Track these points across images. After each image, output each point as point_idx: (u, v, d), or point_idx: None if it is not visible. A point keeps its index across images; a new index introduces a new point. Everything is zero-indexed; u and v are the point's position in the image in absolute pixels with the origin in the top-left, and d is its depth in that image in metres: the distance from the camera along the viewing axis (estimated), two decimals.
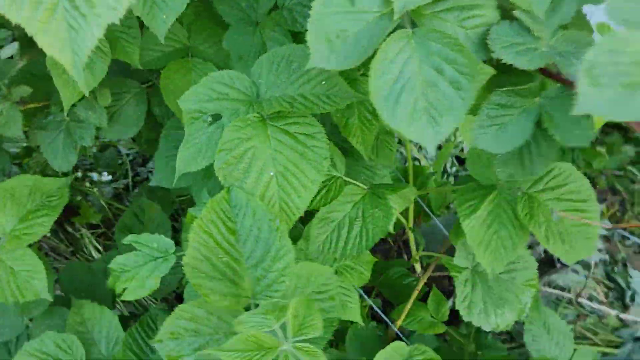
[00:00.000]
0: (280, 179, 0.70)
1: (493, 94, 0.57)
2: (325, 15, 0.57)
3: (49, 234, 1.51)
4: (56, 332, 0.94)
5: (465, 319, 0.83)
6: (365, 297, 1.00)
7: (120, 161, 1.64)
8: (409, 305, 0.99)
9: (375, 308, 1.01)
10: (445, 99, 0.54)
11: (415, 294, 0.99)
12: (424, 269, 1.01)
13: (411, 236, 0.96)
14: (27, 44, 1.10)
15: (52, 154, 0.96)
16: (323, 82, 0.72)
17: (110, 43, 0.90)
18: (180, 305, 0.67)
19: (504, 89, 0.57)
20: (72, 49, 0.51)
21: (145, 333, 0.95)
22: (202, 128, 0.75)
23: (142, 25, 0.91)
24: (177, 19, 0.78)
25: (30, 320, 1.02)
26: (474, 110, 0.59)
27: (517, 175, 0.61)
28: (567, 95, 0.57)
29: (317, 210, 0.82)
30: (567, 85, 0.56)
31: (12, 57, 1.19)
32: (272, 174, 0.70)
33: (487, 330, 0.84)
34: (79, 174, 1.63)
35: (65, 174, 1.23)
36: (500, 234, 0.75)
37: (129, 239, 0.71)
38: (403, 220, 0.91)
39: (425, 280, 0.98)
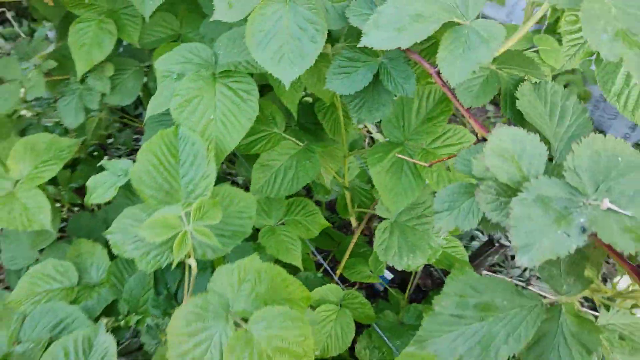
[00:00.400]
0: (219, 123, 0.88)
1: (345, 49, 0.74)
2: None
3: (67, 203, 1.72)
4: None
5: (381, 259, 0.97)
6: (315, 252, 1.15)
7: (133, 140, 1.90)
8: (347, 255, 1.12)
9: (321, 260, 1.15)
10: (303, 48, 0.71)
11: (352, 245, 1.13)
12: (359, 223, 1.15)
13: (347, 194, 1.11)
14: (62, 33, 1.35)
15: (66, 113, 1.19)
16: None
17: (117, 27, 1.13)
18: (127, 209, 0.85)
19: (353, 45, 0.74)
20: None
21: (126, 263, 1.13)
22: (169, 84, 0.95)
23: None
24: (172, 12, 1.00)
25: (40, 252, 1.23)
26: None
27: (366, 119, 0.76)
28: (403, 57, 0.73)
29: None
30: (404, 51, 0.73)
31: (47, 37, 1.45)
32: (212, 117, 0.88)
33: (399, 269, 0.96)
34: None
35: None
36: (401, 180, 0.90)
37: (101, 163, 0.91)
38: (339, 179, 1.07)
39: (359, 232, 1.12)
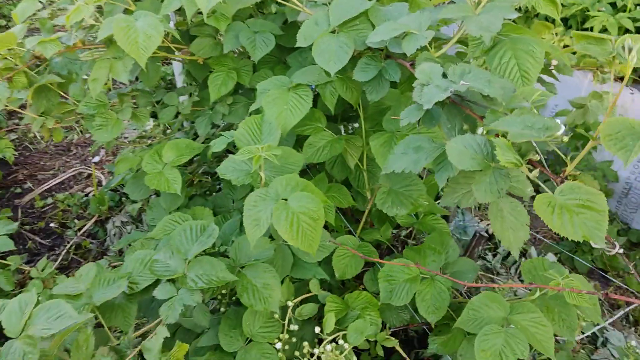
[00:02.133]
0: (287, 111, 1.51)
1: (364, 57, 1.37)
2: (307, 26, 1.43)
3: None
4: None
5: (379, 207, 1.50)
6: (342, 217, 1.70)
7: None
8: (363, 220, 1.66)
9: (347, 224, 1.69)
10: (340, 56, 1.35)
11: (367, 210, 1.67)
12: (372, 196, 1.68)
13: (365, 174, 1.66)
14: (203, 85, 2.09)
15: (200, 127, 1.89)
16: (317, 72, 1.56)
17: (237, 75, 1.85)
18: (227, 159, 1.48)
19: (370, 54, 1.37)
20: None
21: (222, 218, 1.74)
22: (262, 96, 1.61)
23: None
24: (270, 70, 1.70)
25: (170, 213, 1.87)
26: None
27: (375, 97, 1.36)
28: (394, 62, 1.35)
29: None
30: (393, 58, 1.35)
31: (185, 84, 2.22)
32: (285, 107, 1.52)
33: (390, 215, 1.49)
34: None
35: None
36: (391, 151, 1.46)
37: (219, 132, 1.57)
38: (360, 164, 1.64)
39: (371, 204, 1.65)
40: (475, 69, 0.99)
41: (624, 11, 2.92)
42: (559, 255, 2.68)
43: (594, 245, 0.79)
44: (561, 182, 0.85)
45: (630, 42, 0.86)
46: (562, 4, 3.29)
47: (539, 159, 0.88)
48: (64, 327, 1.08)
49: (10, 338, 1.11)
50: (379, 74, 1.36)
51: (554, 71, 1.72)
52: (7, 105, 1.76)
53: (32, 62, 1.83)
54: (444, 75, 1.03)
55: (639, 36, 0.95)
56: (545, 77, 1.72)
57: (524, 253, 2.64)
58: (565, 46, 3.26)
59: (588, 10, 3.08)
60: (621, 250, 0.90)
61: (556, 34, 3.24)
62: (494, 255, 2.66)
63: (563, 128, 0.86)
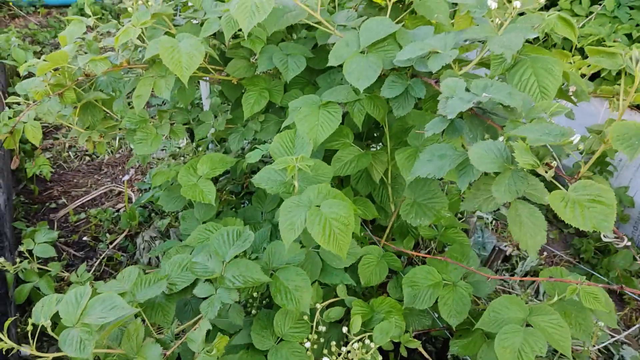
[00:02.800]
0: (318, 127, 1.62)
1: (391, 75, 1.48)
2: (338, 47, 1.55)
3: None
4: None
5: (403, 218, 1.59)
6: (366, 228, 1.79)
7: None
8: (387, 232, 1.75)
9: (371, 234, 1.78)
10: (369, 74, 1.46)
11: (390, 223, 1.76)
12: (396, 209, 1.76)
13: (389, 188, 1.75)
14: (235, 105, 2.22)
15: (233, 142, 2.01)
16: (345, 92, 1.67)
17: (269, 94, 1.97)
18: (264, 169, 1.59)
19: (396, 73, 1.48)
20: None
21: (253, 227, 1.84)
22: (294, 113, 1.73)
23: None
24: (300, 90, 1.82)
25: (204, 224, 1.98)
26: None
27: (401, 112, 1.46)
28: (420, 80, 1.45)
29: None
30: (418, 77, 1.45)
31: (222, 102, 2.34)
32: (316, 123, 1.63)
33: (414, 225, 1.58)
34: None
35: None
36: (424, 151, 1.56)
37: (255, 146, 1.68)
38: (385, 178, 1.74)
39: (395, 217, 1.74)
40: (497, 82, 1.10)
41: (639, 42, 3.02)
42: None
43: (603, 239, 0.87)
44: (575, 181, 0.94)
45: (638, 53, 0.95)
46: (579, 34, 3.40)
47: (555, 164, 0.97)
48: (118, 317, 1.18)
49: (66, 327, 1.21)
50: (405, 91, 1.47)
51: (572, 97, 1.82)
52: (57, 120, 1.89)
53: (80, 79, 1.97)
54: (467, 89, 1.13)
55: None
56: (563, 101, 1.81)
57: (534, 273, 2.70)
58: (582, 75, 3.36)
59: (604, 41, 3.18)
60: (629, 243, 0.98)
61: (573, 62, 3.34)
62: (512, 275, 2.72)
63: (578, 136, 0.96)
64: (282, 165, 1.45)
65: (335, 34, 1.66)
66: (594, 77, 3.45)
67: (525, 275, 2.68)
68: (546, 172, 0.92)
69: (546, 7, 3.80)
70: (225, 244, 1.50)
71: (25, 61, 4.79)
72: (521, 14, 1.46)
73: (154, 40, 1.73)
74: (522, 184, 0.94)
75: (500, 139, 1.04)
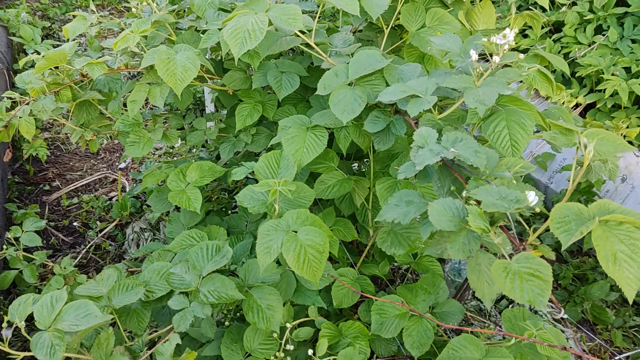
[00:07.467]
0: (304, 149, 1.66)
1: (375, 110, 1.52)
2: (327, 77, 1.59)
3: None
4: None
5: (379, 246, 1.64)
6: (345, 250, 1.84)
7: None
8: (364, 254, 1.80)
9: (349, 256, 1.83)
10: (354, 107, 1.50)
11: (367, 248, 1.81)
12: (375, 232, 1.81)
13: (369, 213, 1.80)
14: (230, 113, 2.26)
15: (224, 152, 2.05)
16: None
17: (263, 108, 2.01)
18: (246, 188, 1.64)
19: (380, 109, 1.52)
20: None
21: (235, 239, 1.89)
22: (283, 132, 1.77)
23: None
24: (293, 106, 1.86)
25: (189, 229, 2.03)
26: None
27: (382, 147, 1.51)
28: (402, 118, 1.50)
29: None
30: (401, 114, 1.50)
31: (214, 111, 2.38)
32: (301, 146, 1.67)
33: (389, 254, 1.63)
34: None
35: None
36: (393, 195, 1.61)
37: (240, 163, 1.73)
38: (366, 204, 1.78)
39: (373, 240, 1.79)
40: (467, 137, 1.14)
41: (637, 77, 3.05)
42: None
43: (537, 310, 0.92)
44: (523, 249, 0.98)
45: (586, 140, 1.00)
46: (579, 63, 3.43)
47: (510, 229, 1.02)
48: (90, 325, 1.23)
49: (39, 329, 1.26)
50: (387, 127, 1.51)
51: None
52: (51, 117, 1.93)
53: (78, 78, 2.01)
54: (439, 140, 1.17)
55: (597, 131, 1.09)
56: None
57: (511, 300, 2.75)
58: (577, 105, 3.40)
59: (603, 73, 3.22)
60: (565, 316, 1.03)
61: (570, 94, 3.38)
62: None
63: (535, 200, 1.00)
64: (264, 188, 1.50)
65: (328, 62, 1.69)
66: (590, 106, 3.49)
67: (501, 299, 2.74)
68: (495, 234, 0.97)
69: (551, 32, 3.83)
70: (203, 259, 1.55)
71: (32, 39, 4.83)
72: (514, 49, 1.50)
73: (152, 50, 1.77)
74: (476, 244, 0.99)
75: (464, 193, 1.09)
